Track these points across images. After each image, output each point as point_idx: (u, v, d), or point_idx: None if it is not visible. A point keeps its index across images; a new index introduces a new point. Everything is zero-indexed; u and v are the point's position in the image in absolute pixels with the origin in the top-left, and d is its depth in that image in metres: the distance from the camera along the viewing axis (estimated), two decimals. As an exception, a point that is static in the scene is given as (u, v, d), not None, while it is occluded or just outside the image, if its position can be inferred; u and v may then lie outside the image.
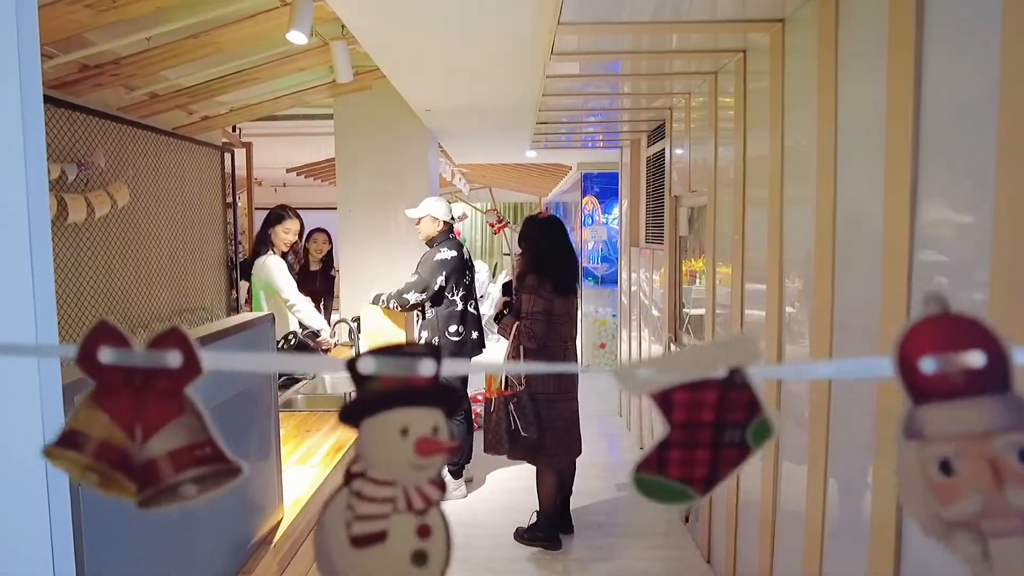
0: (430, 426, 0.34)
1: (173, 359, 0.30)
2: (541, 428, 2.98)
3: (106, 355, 0.30)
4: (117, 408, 0.29)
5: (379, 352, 0.32)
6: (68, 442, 0.29)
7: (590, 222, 7.80)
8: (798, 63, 2.02)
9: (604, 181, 7.55)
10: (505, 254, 13.33)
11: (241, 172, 5.65)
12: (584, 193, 7.77)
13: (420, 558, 0.34)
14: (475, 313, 3.80)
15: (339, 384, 3.20)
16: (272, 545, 1.53)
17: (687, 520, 3.32)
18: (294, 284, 3.38)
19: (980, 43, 1.23)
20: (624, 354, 5.21)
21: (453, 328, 3.66)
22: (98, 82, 3.10)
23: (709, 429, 0.33)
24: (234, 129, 5.60)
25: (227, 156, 5.29)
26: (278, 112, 4.51)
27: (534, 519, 3.18)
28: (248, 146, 5.76)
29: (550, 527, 3.13)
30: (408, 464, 0.33)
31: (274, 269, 3.36)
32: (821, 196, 1.81)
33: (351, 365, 0.32)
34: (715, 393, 0.34)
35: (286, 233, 3.46)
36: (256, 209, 6.07)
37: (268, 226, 3.50)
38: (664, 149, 3.80)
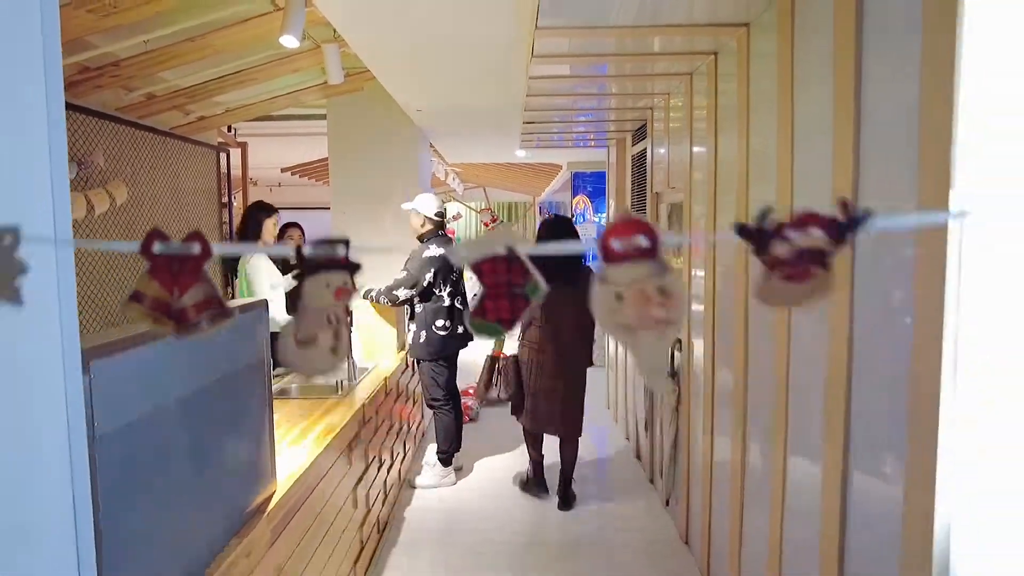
0: (343, 281, 0.56)
1: (195, 247, 0.53)
2: (520, 392, 3.57)
3: (157, 247, 0.53)
4: (163, 279, 0.49)
5: (315, 243, 0.48)
6: (135, 299, 0.47)
7: (581, 220, 7.93)
8: (762, 66, 2.15)
9: (596, 181, 7.68)
10: (499, 253, 13.44)
11: (237, 172, 5.76)
12: (575, 192, 7.90)
13: (335, 350, 0.58)
14: (461, 308, 3.91)
15: (331, 375, 3.32)
16: (266, 514, 1.65)
17: (667, 504, 3.44)
18: (266, 287, 3.40)
19: (910, 51, 1.35)
20: (611, 348, 5.34)
21: (440, 323, 3.78)
22: (98, 83, 3.21)
23: (505, 287, 0.56)
24: (229, 129, 5.71)
25: (223, 156, 5.40)
26: (273, 112, 4.62)
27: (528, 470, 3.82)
28: (243, 146, 5.87)
29: (536, 478, 3.72)
30: (330, 301, 0.56)
31: (254, 270, 3.42)
32: (780, 195, 1.94)
33: (299, 250, 0.55)
34: (504, 264, 0.57)
35: (275, 226, 3.53)
36: (251, 208, 6.15)
37: (255, 219, 3.56)
38: (646, 148, 3.93)
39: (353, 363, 3.16)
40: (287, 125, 5.88)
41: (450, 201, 12.55)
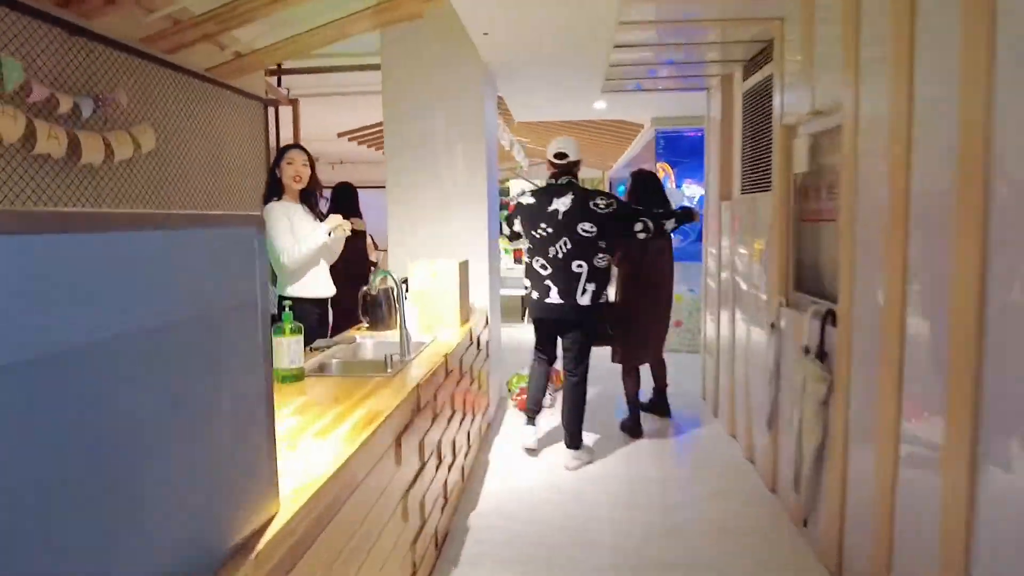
0: None
1: None
2: (617, 333, 3.82)
3: None
4: None
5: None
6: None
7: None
8: None
9: (680, 152, 6.85)
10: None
11: (289, 141, 5.25)
12: (658, 158, 7.07)
13: None
14: (540, 272, 3.35)
15: (380, 348, 2.72)
16: (255, 553, 1.03)
17: (805, 524, 2.67)
18: (284, 229, 2.77)
19: None
20: (711, 328, 4.55)
21: (526, 280, 3.44)
22: (108, -6, 2.69)
23: None
24: (279, 83, 5.22)
25: (271, 112, 4.91)
26: (319, 50, 4.04)
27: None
28: (295, 103, 5.37)
29: (634, 419, 3.94)
30: None
31: (269, 216, 2.80)
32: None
33: None
34: None
35: (289, 164, 2.87)
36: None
37: (274, 168, 2.98)
38: (771, 75, 3.13)
39: (407, 335, 2.54)
40: (340, 80, 5.31)
41: (516, 178, 11.87)
